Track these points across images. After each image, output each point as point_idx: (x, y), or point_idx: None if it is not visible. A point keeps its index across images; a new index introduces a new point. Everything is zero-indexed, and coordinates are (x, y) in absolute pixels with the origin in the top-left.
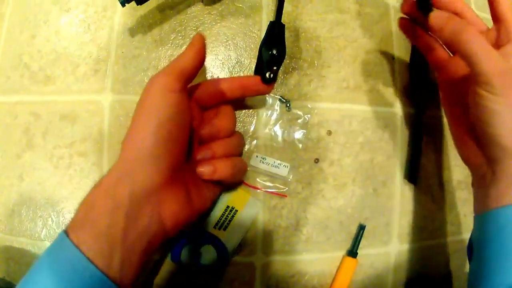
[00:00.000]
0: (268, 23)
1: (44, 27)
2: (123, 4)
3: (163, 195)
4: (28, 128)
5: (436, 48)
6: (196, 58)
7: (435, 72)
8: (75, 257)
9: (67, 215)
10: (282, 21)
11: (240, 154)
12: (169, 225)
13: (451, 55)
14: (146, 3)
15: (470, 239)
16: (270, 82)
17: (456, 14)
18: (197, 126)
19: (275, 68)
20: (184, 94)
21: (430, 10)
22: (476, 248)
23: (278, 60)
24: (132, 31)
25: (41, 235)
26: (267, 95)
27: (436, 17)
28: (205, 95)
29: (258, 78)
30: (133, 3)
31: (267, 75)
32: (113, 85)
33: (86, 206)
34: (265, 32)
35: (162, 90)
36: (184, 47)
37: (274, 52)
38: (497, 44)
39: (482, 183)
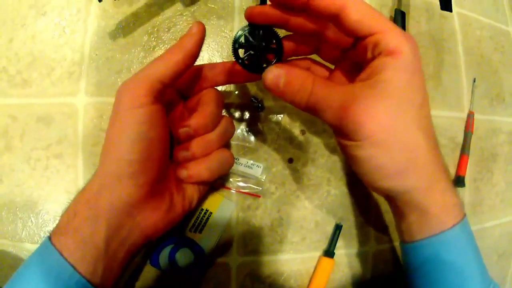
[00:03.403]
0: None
1: (21, 30)
2: None
3: (143, 208)
4: (7, 131)
5: None
6: (181, 62)
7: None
8: (60, 264)
9: (46, 217)
10: None
11: (227, 142)
12: (150, 233)
13: None
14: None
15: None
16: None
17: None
18: (177, 118)
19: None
20: (157, 105)
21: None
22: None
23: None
24: (106, 34)
25: (21, 236)
26: (237, 94)
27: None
28: (184, 84)
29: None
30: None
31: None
32: (87, 87)
33: (69, 214)
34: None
35: (129, 106)
36: (157, 49)
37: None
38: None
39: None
